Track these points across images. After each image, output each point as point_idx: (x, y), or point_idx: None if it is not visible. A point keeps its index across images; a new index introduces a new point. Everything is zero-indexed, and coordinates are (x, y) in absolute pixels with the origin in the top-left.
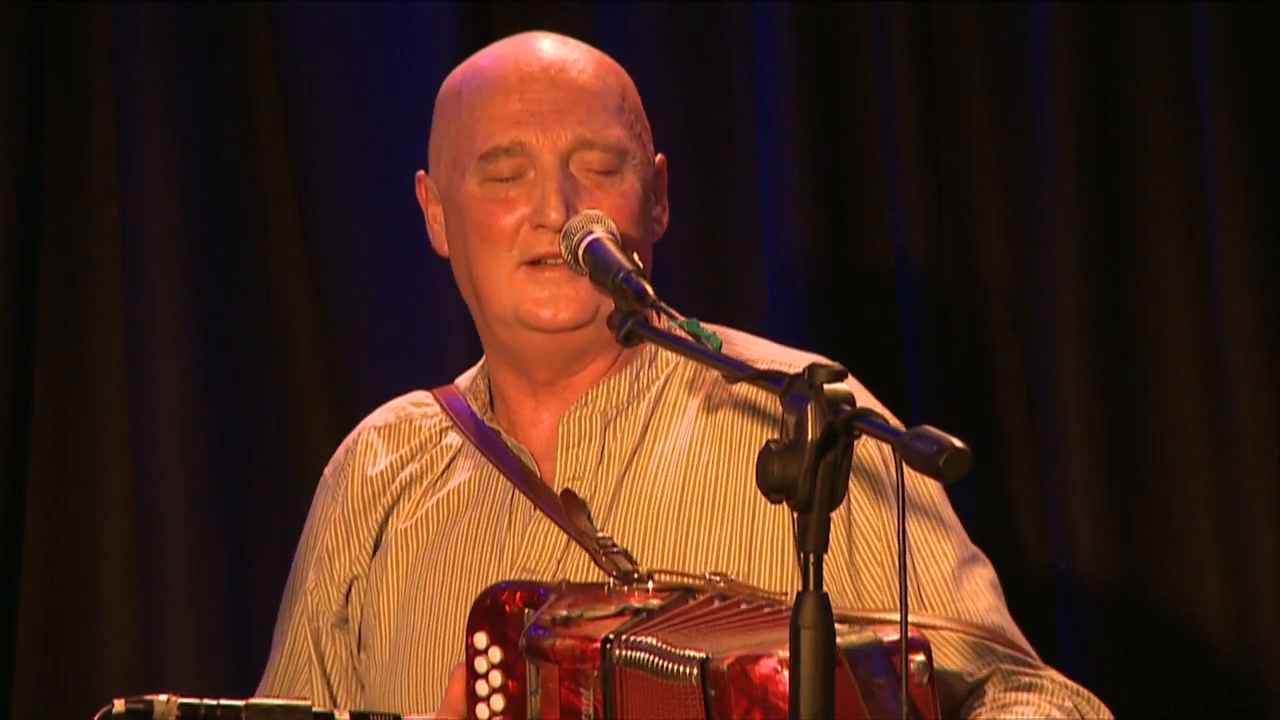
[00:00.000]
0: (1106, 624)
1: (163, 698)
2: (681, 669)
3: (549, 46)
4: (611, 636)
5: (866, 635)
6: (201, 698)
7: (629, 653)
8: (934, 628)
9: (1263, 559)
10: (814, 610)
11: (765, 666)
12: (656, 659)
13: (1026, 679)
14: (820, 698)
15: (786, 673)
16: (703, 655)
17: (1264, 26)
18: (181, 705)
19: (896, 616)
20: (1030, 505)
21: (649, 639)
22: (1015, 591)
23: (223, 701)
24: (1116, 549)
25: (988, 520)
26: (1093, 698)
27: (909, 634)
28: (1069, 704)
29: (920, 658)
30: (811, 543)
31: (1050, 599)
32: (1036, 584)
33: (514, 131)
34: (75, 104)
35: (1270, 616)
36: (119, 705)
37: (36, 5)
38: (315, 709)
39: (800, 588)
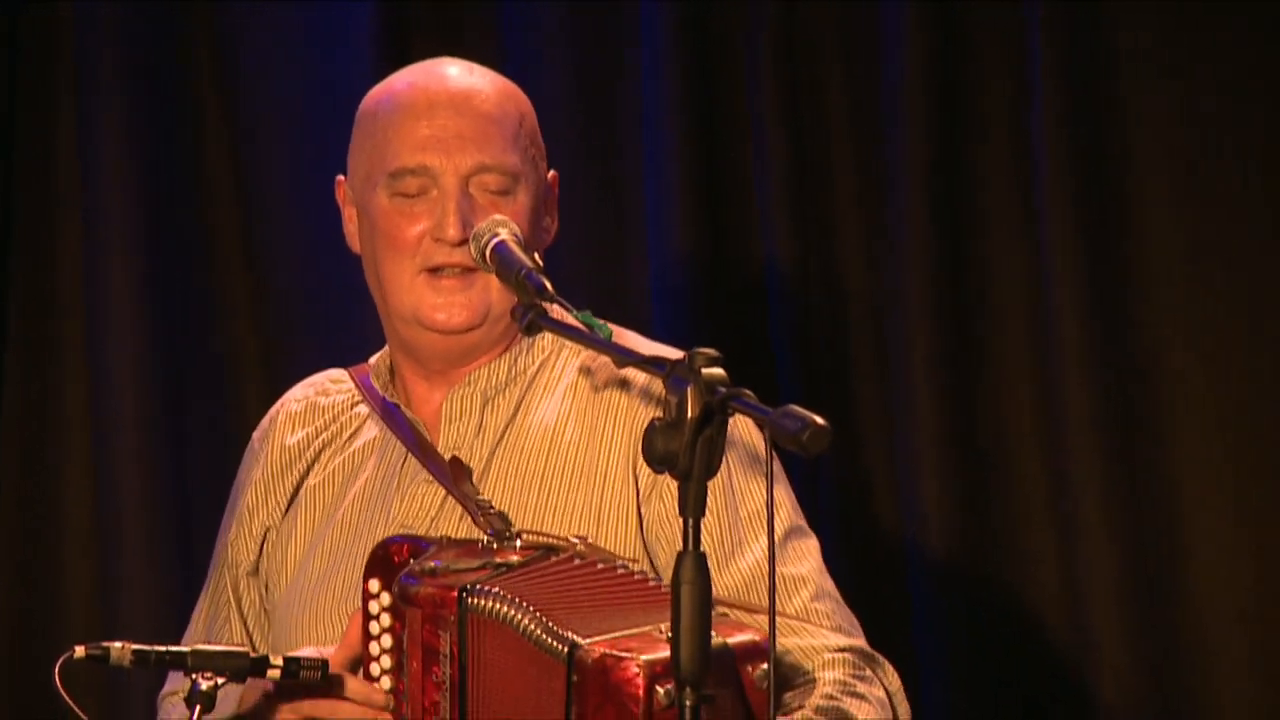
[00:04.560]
0: (954, 585)
1: (118, 644)
2: (552, 644)
3: (456, 74)
4: (468, 586)
5: (716, 641)
6: (153, 644)
7: (484, 602)
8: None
9: (1087, 524)
10: (692, 568)
11: (627, 672)
12: (523, 619)
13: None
14: (697, 643)
15: (644, 679)
16: (572, 638)
17: (1090, 39)
18: (135, 651)
19: (745, 610)
20: (884, 478)
21: (505, 592)
22: (871, 558)
23: (171, 648)
24: (961, 517)
25: (846, 493)
26: (883, 665)
27: (753, 641)
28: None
29: (764, 666)
30: (691, 508)
31: (903, 564)
32: (890, 550)
33: (420, 155)
34: (42, 107)
35: (1096, 575)
36: (80, 651)
37: (7, 16)
38: (252, 655)
39: (643, 553)
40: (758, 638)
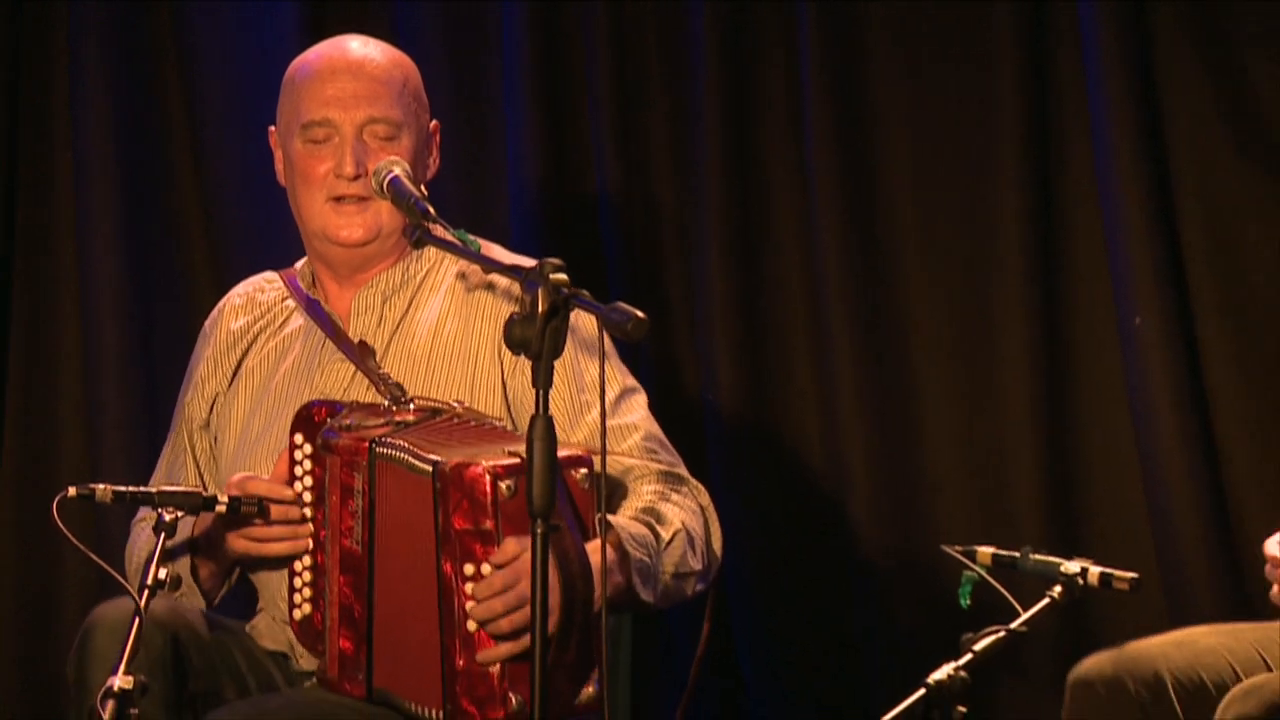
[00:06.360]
0: (740, 435)
1: (101, 486)
2: (422, 466)
3: (355, 47)
4: (377, 438)
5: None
6: (128, 486)
7: (388, 450)
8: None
9: (843, 389)
10: (542, 428)
11: (475, 472)
12: (407, 457)
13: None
14: (546, 484)
15: (489, 477)
16: (436, 459)
17: (846, 36)
18: (114, 492)
19: (586, 446)
20: (688, 355)
21: (403, 442)
22: (675, 416)
23: (142, 489)
24: (747, 385)
25: (660, 367)
26: (699, 487)
27: (576, 455)
28: (694, 505)
29: (584, 470)
30: (541, 381)
31: (700, 419)
32: (690, 412)
33: (324, 110)
34: (41, 85)
35: (851, 428)
36: (71, 491)
37: (11, 8)
38: (204, 494)
39: (506, 415)
40: (580, 452)
